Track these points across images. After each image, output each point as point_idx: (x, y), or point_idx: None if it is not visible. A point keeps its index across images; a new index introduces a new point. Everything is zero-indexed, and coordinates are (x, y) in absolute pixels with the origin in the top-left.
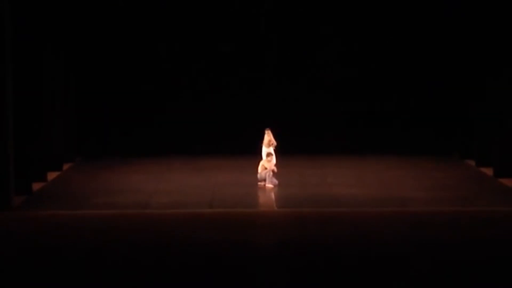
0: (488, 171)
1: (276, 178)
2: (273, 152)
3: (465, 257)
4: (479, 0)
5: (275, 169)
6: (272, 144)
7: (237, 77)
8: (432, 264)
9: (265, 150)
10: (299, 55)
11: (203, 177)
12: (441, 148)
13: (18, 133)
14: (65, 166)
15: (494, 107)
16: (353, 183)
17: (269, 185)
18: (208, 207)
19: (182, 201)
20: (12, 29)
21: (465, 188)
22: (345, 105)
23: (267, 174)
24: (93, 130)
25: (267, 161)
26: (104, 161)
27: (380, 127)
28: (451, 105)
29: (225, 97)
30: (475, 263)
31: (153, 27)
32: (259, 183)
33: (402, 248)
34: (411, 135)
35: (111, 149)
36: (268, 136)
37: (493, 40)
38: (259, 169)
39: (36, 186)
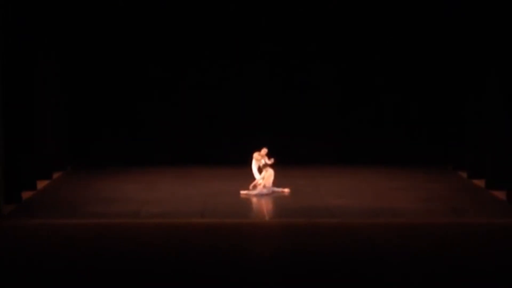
0: (480, 183)
1: (268, 188)
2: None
3: (457, 268)
4: (473, 6)
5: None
6: (267, 162)
7: (229, 86)
8: (424, 276)
9: (255, 165)
10: (290, 66)
11: (195, 186)
12: (434, 159)
13: (8, 141)
14: (56, 175)
15: (487, 119)
16: (346, 194)
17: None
18: (199, 217)
19: (173, 211)
20: (2, 37)
21: (457, 200)
22: (338, 115)
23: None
24: (84, 138)
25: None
26: (95, 170)
27: (373, 138)
28: (444, 116)
29: (217, 106)
30: (467, 275)
31: (150, 35)
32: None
33: (394, 259)
34: (404, 146)
35: (102, 158)
36: (261, 155)
37: (484, 52)
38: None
39: (25, 194)
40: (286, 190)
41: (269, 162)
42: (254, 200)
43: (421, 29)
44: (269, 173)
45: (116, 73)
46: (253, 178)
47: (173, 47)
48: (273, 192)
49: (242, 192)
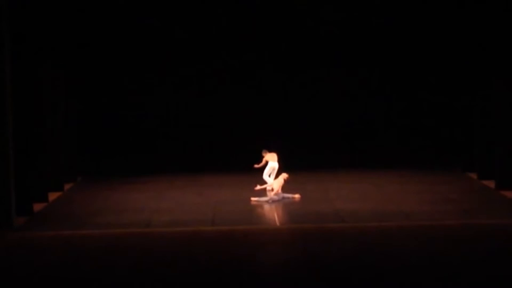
0: (490, 184)
1: (278, 195)
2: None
3: (469, 270)
4: (478, 6)
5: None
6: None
7: (237, 94)
8: (436, 278)
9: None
10: (297, 69)
11: (204, 194)
12: (443, 161)
13: (19, 153)
14: (66, 186)
15: (496, 120)
16: (356, 198)
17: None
18: (210, 224)
19: (184, 219)
20: (11, 48)
21: (468, 201)
22: (346, 119)
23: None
24: (93, 149)
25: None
26: (105, 180)
27: (382, 142)
28: (452, 118)
29: (225, 113)
30: (479, 277)
31: (156, 44)
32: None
33: (406, 262)
34: (413, 149)
35: (112, 168)
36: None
37: (492, 53)
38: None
39: (37, 206)
40: (297, 196)
41: (286, 177)
42: (265, 206)
43: (428, 33)
44: (278, 180)
45: (124, 84)
46: (262, 182)
47: (180, 55)
48: (284, 198)
49: (253, 198)
